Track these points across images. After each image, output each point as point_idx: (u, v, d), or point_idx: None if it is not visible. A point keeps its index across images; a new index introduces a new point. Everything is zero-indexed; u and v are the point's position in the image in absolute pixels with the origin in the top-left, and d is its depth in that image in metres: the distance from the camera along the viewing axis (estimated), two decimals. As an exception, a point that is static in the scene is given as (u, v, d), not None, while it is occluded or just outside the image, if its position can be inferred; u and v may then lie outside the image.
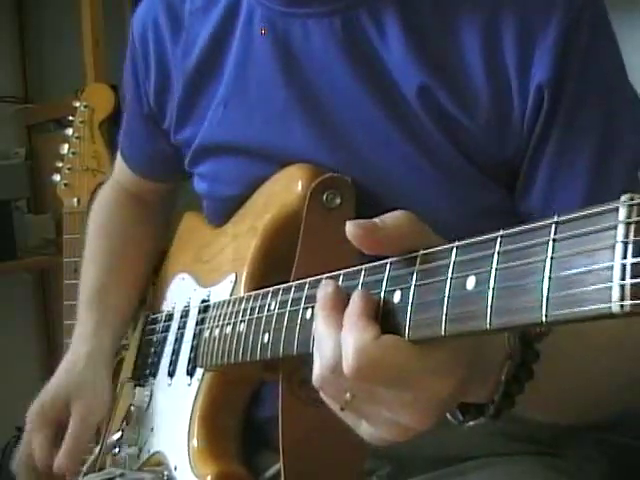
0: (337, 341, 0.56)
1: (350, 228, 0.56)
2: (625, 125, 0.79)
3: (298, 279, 0.71)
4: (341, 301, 0.58)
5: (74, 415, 1.04)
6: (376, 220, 0.56)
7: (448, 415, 0.59)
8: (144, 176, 1.15)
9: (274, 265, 0.87)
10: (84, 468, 1.06)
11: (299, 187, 0.84)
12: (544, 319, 0.43)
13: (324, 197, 0.83)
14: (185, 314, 1.01)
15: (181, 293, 1.04)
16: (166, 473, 0.93)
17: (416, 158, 0.81)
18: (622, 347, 0.69)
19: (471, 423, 0.60)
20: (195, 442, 0.89)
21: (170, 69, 0.98)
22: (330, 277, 0.64)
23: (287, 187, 0.86)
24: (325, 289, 0.59)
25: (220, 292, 0.93)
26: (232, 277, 0.91)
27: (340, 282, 0.62)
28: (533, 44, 0.76)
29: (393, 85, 0.81)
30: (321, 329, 0.58)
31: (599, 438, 0.89)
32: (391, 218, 0.56)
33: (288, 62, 0.86)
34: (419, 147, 0.81)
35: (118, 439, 1.06)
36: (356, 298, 0.57)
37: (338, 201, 0.83)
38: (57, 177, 1.90)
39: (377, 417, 0.57)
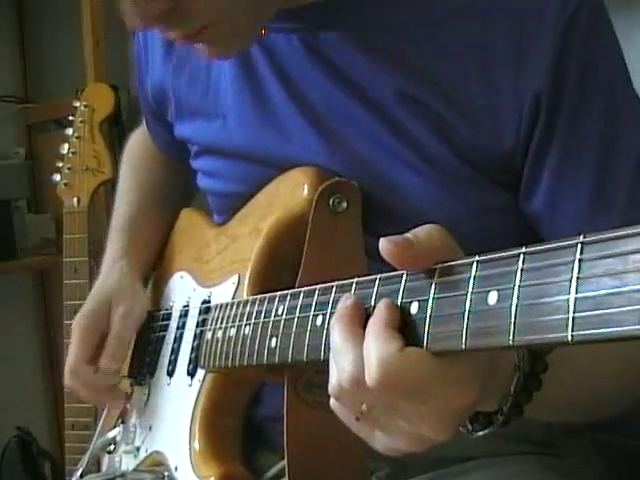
0: (357, 354, 0.55)
1: (384, 245, 0.55)
2: (628, 124, 0.79)
3: (304, 283, 0.72)
4: (360, 314, 0.58)
5: (115, 317, 1.03)
6: (409, 236, 0.55)
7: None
8: (167, 155, 1.16)
9: (277, 268, 0.87)
10: (79, 467, 1.06)
11: (305, 191, 0.84)
12: (570, 338, 0.43)
13: (330, 202, 0.83)
14: (184, 314, 1.01)
15: (180, 292, 1.04)
16: (166, 474, 0.93)
17: (411, 160, 0.81)
18: (626, 352, 0.69)
19: (480, 433, 0.60)
20: (197, 443, 0.89)
21: (164, 80, 1.00)
22: (343, 285, 0.64)
23: (292, 190, 0.86)
24: (345, 302, 0.59)
25: (222, 293, 0.93)
26: (234, 278, 0.91)
27: (353, 290, 0.62)
28: (527, 50, 0.76)
29: (377, 94, 0.82)
30: (339, 342, 0.57)
31: (596, 438, 0.89)
32: (423, 232, 0.56)
33: (280, 72, 0.87)
34: (412, 150, 0.81)
35: (114, 437, 1.06)
36: (382, 307, 0.56)
37: (344, 206, 0.83)
38: (57, 177, 1.89)
39: (393, 428, 0.57)
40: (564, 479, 0.85)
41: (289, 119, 0.87)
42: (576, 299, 0.43)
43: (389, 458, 0.87)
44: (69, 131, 1.90)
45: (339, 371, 0.57)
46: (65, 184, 1.89)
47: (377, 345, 0.54)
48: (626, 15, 1.51)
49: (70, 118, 1.91)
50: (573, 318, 0.43)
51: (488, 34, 0.78)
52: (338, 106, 0.84)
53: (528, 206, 0.81)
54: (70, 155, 1.89)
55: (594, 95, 0.78)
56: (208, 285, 0.98)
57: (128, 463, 1.02)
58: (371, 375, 0.53)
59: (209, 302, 0.96)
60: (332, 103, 0.84)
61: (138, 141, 1.22)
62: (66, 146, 1.89)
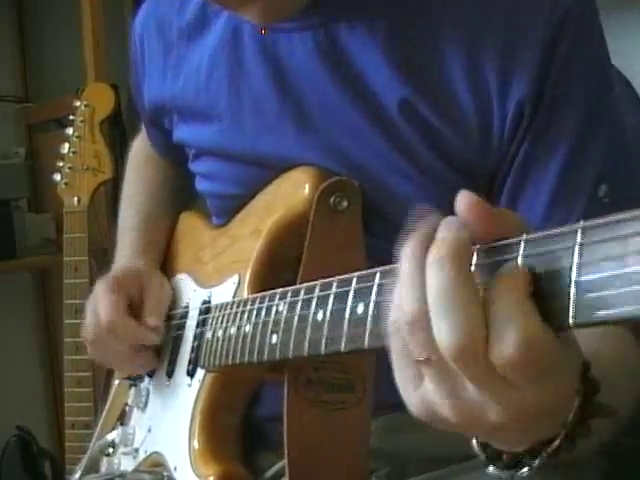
0: (479, 315, 0.46)
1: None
2: (599, 136, 0.79)
3: (305, 282, 0.72)
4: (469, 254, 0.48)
5: (152, 284, 1.01)
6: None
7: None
8: (167, 159, 1.16)
9: (278, 267, 0.88)
10: (78, 469, 1.06)
11: (306, 190, 0.84)
12: (571, 321, 0.44)
13: (331, 200, 0.83)
14: (184, 315, 1.00)
15: (179, 294, 1.04)
16: (165, 474, 0.93)
17: (401, 165, 0.82)
18: None
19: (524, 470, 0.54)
20: (196, 443, 0.89)
21: (162, 87, 1.00)
22: (343, 280, 0.63)
23: (293, 190, 0.86)
24: (448, 227, 0.49)
25: (222, 293, 0.93)
26: (235, 278, 0.91)
27: (354, 284, 0.62)
28: (513, 61, 0.77)
29: (375, 98, 0.82)
30: (454, 289, 0.47)
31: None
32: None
33: (278, 74, 0.87)
34: (404, 155, 0.82)
35: (112, 439, 1.06)
36: (516, 271, 0.47)
37: (345, 204, 0.83)
38: (57, 176, 1.90)
39: (458, 393, 0.49)
40: (565, 479, 0.85)
41: (284, 121, 0.87)
42: (577, 282, 0.43)
43: (389, 457, 0.88)
44: (69, 131, 1.90)
45: (453, 329, 0.46)
46: (65, 184, 1.89)
47: (519, 317, 0.45)
48: (626, 15, 1.51)
49: (70, 117, 1.92)
50: (574, 302, 0.43)
51: (476, 47, 0.78)
52: (337, 109, 0.84)
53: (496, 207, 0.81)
54: (70, 155, 1.90)
55: (569, 104, 0.78)
56: (208, 286, 0.98)
57: (127, 464, 1.02)
58: (509, 351, 0.45)
59: (209, 302, 0.96)
60: (331, 105, 0.84)
61: (141, 146, 1.22)
62: (66, 146, 1.90)
